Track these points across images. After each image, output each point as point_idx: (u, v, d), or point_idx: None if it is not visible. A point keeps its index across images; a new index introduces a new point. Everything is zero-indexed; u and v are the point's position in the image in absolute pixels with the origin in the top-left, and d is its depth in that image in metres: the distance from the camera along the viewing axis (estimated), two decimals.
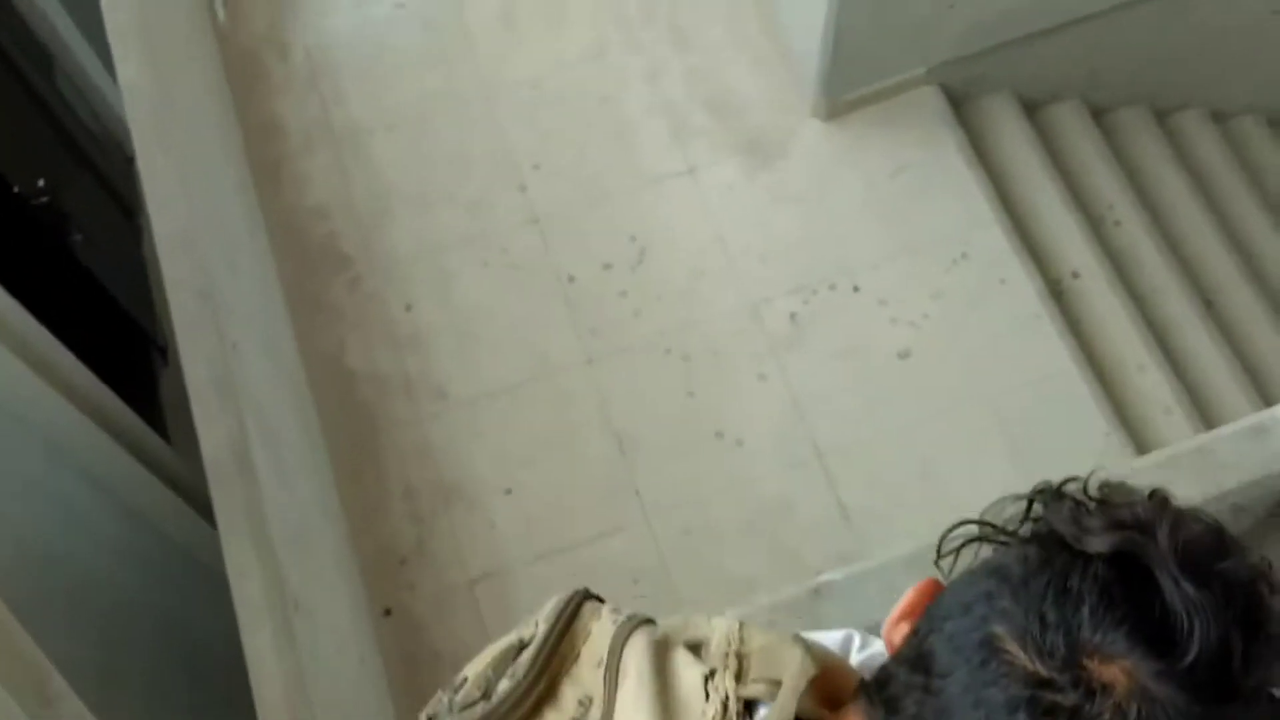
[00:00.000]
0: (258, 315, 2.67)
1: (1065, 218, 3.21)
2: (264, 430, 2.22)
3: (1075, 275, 3.14)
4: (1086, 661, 0.63)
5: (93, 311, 3.35)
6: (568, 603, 0.94)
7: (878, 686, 0.75)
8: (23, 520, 2.26)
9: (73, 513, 2.57)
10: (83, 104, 3.40)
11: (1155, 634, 0.63)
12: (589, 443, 2.87)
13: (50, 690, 1.85)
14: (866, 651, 0.88)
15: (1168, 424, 2.95)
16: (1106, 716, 0.62)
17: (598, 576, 2.71)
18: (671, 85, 3.28)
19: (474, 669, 0.96)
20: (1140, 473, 2.04)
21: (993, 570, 0.70)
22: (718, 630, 0.86)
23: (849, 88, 3.16)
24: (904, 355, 2.95)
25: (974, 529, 0.77)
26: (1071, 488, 0.72)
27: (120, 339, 3.50)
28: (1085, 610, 0.65)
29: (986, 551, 0.77)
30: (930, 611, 0.73)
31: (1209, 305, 3.36)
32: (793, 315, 3.00)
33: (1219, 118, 3.94)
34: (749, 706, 0.80)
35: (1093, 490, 0.73)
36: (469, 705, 0.91)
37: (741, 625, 0.84)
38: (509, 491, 2.82)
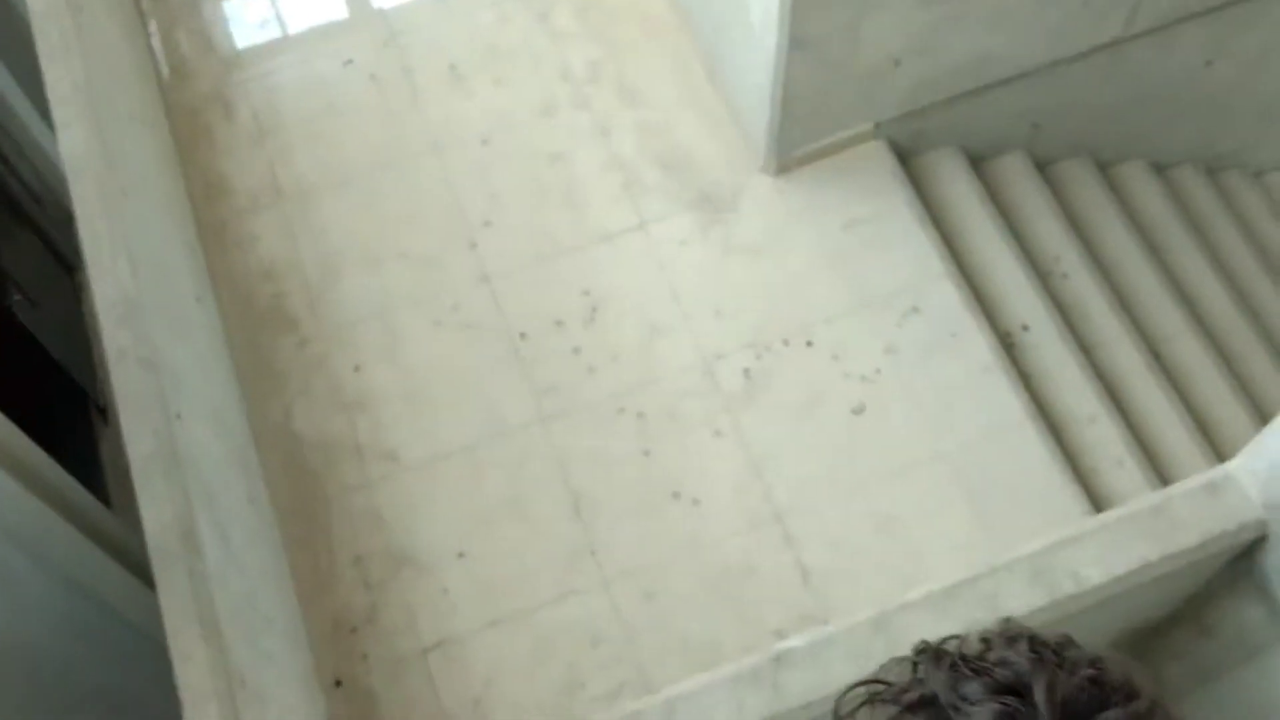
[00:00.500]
0: (204, 382, 2.61)
1: (1014, 270, 3.24)
2: (210, 503, 2.17)
3: (1025, 328, 3.16)
4: None
5: (30, 371, 3.27)
6: None
7: None
8: None
9: (9, 582, 2.48)
10: (23, 161, 3.34)
11: None
12: (544, 504, 2.83)
13: None
14: None
15: (1120, 475, 2.96)
16: None
17: (556, 641, 2.67)
18: (621, 141, 3.28)
19: None
20: (1101, 532, 2.04)
21: None
22: None
23: (797, 144, 3.18)
24: (858, 410, 2.94)
25: (866, 690, 0.75)
26: (952, 645, 0.70)
27: (59, 398, 3.42)
28: None
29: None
30: None
31: (1157, 355, 3.40)
32: (746, 371, 2.98)
33: (1159, 168, 4.01)
34: None
35: (973, 647, 0.71)
36: None
37: None
38: (462, 555, 2.77)
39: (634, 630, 2.67)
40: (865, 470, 2.88)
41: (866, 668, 1.95)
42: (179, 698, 1.93)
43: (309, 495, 2.83)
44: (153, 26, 3.53)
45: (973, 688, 0.67)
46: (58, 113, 2.30)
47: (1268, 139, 4.12)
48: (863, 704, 0.71)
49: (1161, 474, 3.03)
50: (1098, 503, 2.89)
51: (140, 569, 2.88)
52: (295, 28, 3.56)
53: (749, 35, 2.98)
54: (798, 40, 2.78)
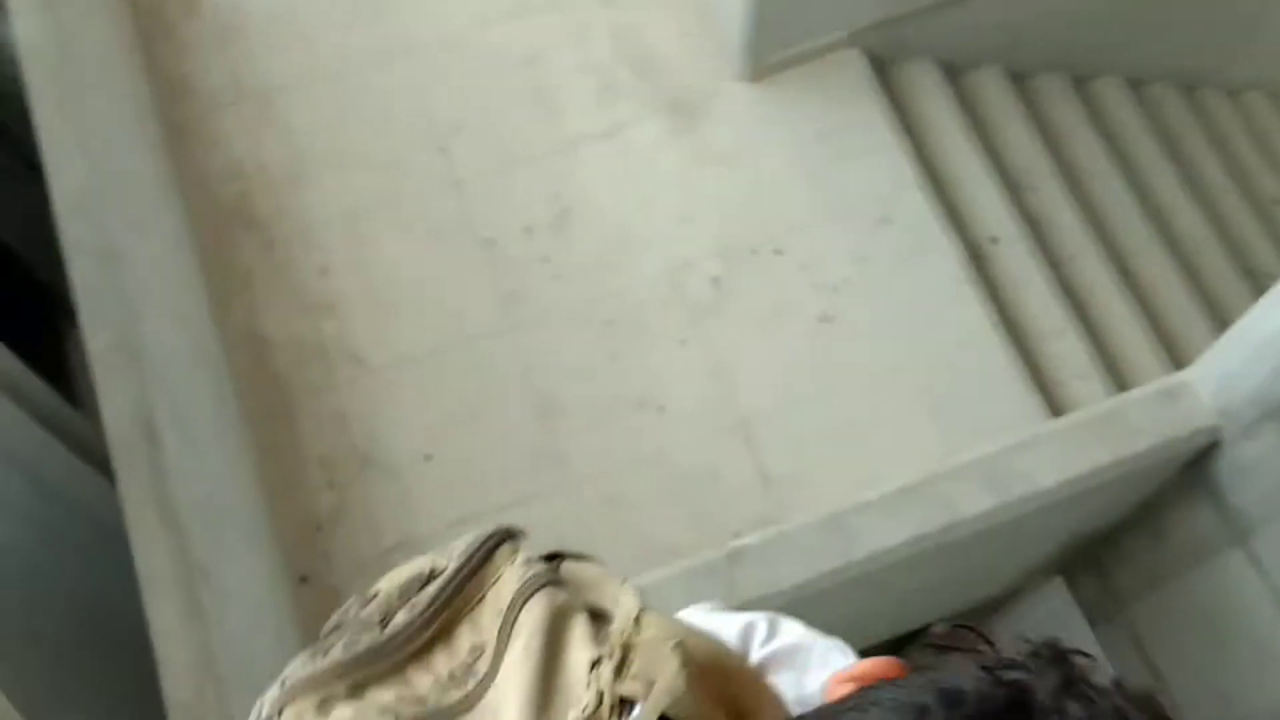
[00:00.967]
0: (167, 279, 2.59)
1: (985, 183, 3.23)
2: (171, 398, 2.17)
3: (994, 240, 3.16)
4: None
5: None
6: (484, 541, 0.91)
7: None
8: None
9: None
10: None
11: None
12: (509, 409, 2.84)
13: None
14: (771, 646, 0.83)
15: (1083, 389, 2.99)
16: None
17: None
18: (594, 45, 3.24)
19: (387, 585, 0.93)
20: (1056, 436, 2.07)
21: (946, 691, 0.64)
22: (621, 609, 0.83)
23: (772, 50, 3.14)
24: (826, 320, 2.95)
25: (967, 634, 0.73)
26: (1081, 661, 0.64)
27: (24, 299, 3.39)
28: None
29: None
30: (870, 691, 0.67)
31: (1124, 270, 3.41)
32: (715, 279, 2.98)
33: (1134, 84, 3.99)
34: (627, 703, 0.76)
35: (1100, 678, 0.64)
36: (367, 628, 0.88)
37: (641, 613, 0.80)
38: (428, 458, 2.78)
39: (595, 534, 2.70)
40: (830, 379, 2.89)
41: (817, 567, 1.99)
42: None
43: (275, 396, 2.83)
44: None
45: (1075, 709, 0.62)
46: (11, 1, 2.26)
47: (1245, 55, 4.10)
48: (949, 649, 0.67)
49: (1124, 388, 3.05)
50: (1060, 415, 2.91)
51: (107, 469, 2.89)
52: None
53: None
54: None
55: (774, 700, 0.79)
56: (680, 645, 0.75)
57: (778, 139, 3.15)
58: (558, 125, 3.15)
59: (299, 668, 0.87)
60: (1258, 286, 3.47)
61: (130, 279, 2.18)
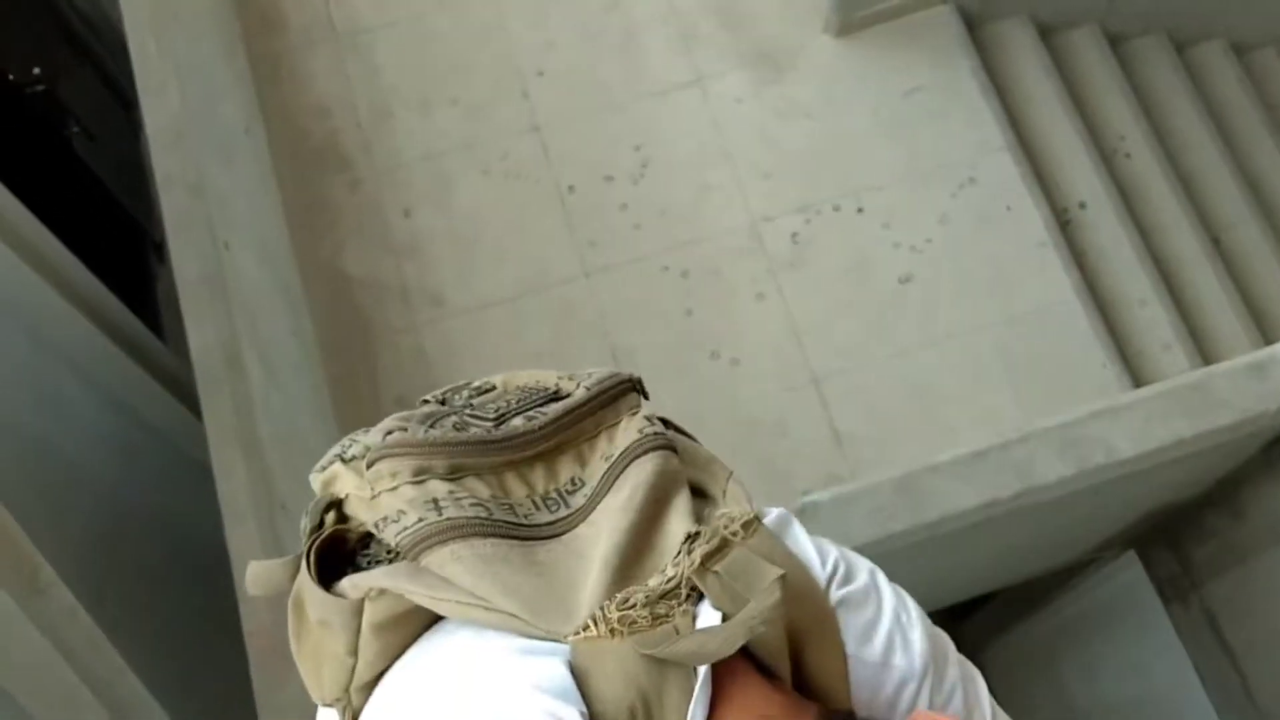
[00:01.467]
0: (253, 214, 2.64)
1: (1076, 147, 3.16)
2: (255, 331, 2.21)
3: (1082, 206, 3.10)
4: None
5: (88, 205, 3.32)
6: (618, 383, 0.89)
7: None
8: (12, 409, 2.25)
9: (63, 404, 2.57)
10: None
11: None
12: (584, 356, 2.86)
13: (41, 580, 1.86)
14: (847, 588, 0.80)
15: (1167, 360, 2.93)
16: None
17: None
18: None
19: (503, 384, 0.93)
20: (1138, 406, 2.03)
21: None
22: (731, 500, 0.82)
23: (862, 4, 3.09)
24: (905, 280, 2.92)
25: None
26: None
27: (116, 234, 3.48)
28: None
29: None
30: None
31: (1217, 242, 3.32)
32: (794, 235, 2.96)
33: (1240, 50, 3.86)
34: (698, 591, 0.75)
35: None
36: (479, 419, 0.86)
37: (755, 519, 0.78)
38: None
39: None
40: (907, 339, 2.87)
41: (888, 527, 1.98)
42: (221, 515, 1.99)
43: (355, 334, 2.87)
44: None
45: None
46: None
47: None
48: None
49: (1209, 361, 2.99)
50: (1141, 385, 2.86)
51: (190, 400, 2.96)
52: None
53: None
54: None
55: (837, 643, 0.78)
56: (783, 580, 0.74)
57: (864, 96, 3.11)
58: (641, 73, 3.14)
59: (400, 428, 0.85)
60: None
61: (218, 212, 2.22)
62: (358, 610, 0.78)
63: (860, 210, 2.98)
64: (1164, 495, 2.45)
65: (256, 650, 1.84)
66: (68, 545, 2.18)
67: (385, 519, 0.80)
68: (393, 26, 3.18)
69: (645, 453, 0.83)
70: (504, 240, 2.98)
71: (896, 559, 1.98)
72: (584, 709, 0.69)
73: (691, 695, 0.70)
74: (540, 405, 0.87)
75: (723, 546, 0.76)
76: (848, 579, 0.81)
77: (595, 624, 0.72)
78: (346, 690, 0.81)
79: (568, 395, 0.88)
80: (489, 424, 0.85)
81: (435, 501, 0.79)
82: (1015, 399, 2.81)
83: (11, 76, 3.00)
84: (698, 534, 0.77)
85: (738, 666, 0.72)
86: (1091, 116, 3.34)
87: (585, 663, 0.71)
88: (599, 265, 2.94)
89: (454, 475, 0.81)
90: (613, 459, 0.84)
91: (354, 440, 0.88)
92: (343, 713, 0.83)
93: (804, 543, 0.82)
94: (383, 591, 0.77)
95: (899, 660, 0.79)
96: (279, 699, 1.83)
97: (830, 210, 2.99)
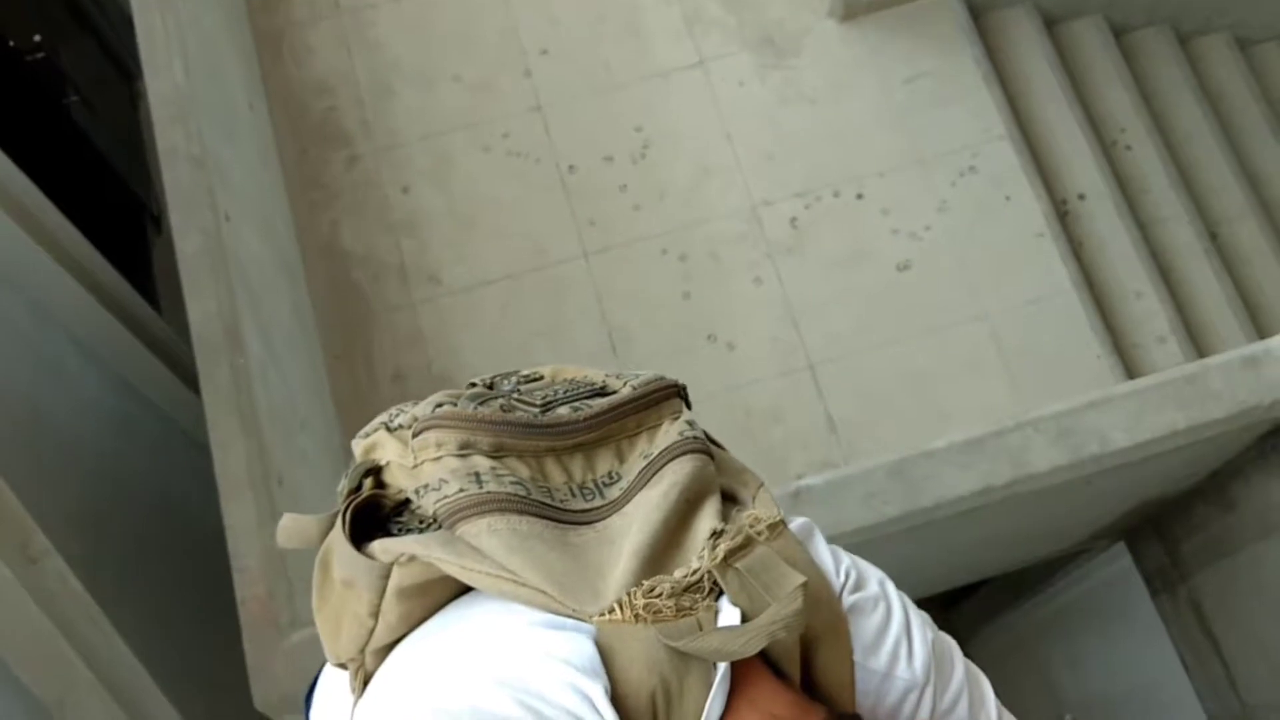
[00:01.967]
0: (253, 187, 2.63)
1: (1077, 137, 3.16)
2: (254, 304, 2.21)
3: (1081, 197, 3.10)
4: None
5: (86, 174, 3.31)
6: (664, 386, 0.93)
7: None
8: (10, 379, 2.26)
9: (62, 376, 2.57)
10: None
11: None
12: (581, 336, 2.86)
13: (34, 548, 1.87)
14: (858, 594, 0.83)
15: (1162, 352, 2.94)
16: None
17: None
18: None
19: (550, 373, 0.96)
20: (1132, 397, 2.04)
21: None
22: (760, 504, 0.85)
23: None
24: (903, 267, 2.92)
25: None
26: None
27: (113, 204, 3.47)
28: None
29: None
30: None
31: (1214, 236, 3.33)
32: (793, 220, 2.96)
33: (1243, 44, 3.86)
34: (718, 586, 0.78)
35: None
36: (525, 404, 0.89)
37: (780, 522, 0.81)
38: None
39: None
40: (904, 326, 2.87)
41: (882, 511, 1.99)
42: (216, 488, 2.00)
43: (352, 310, 2.87)
44: None
45: None
46: None
47: None
48: None
49: (1203, 355, 3.00)
50: (1136, 377, 2.87)
51: (185, 373, 2.97)
52: None
53: None
54: None
55: (847, 650, 0.81)
56: (806, 588, 0.76)
57: (866, 81, 3.11)
58: (644, 55, 3.13)
59: (450, 402, 0.88)
60: None
61: (220, 186, 2.21)
62: (385, 574, 0.80)
63: (860, 196, 2.99)
64: (1155, 487, 2.46)
65: (249, 617, 1.85)
66: (62, 515, 2.19)
67: (426, 486, 0.83)
68: (396, 2, 3.17)
69: (683, 454, 0.86)
70: (503, 219, 2.98)
71: (888, 544, 1.99)
72: (608, 684, 0.71)
73: (710, 688, 0.72)
74: (586, 398, 0.90)
75: (747, 544, 0.78)
76: (859, 585, 0.84)
77: (621, 608, 0.74)
78: (362, 651, 0.83)
79: (614, 392, 0.91)
80: (535, 410, 0.88)
81: (477, 475, 0.81)
82: (1010, 388, 2.82)
83: (12, 43, 3.00)
84: (723, 531, 0.80)
85: (752, 664, 0.75)
86: (1093, 107, 3.34)
87: (610, 643, 0.73)
88: (598, 246, 2.95)
89: (497, 454, 0.84)
90: (651, 457, 0.87)
91: (401, 410, 0.91)
92: (355, 673, 0.85)
93: (823, 551, 0.84)
94: (413, 558, 0.79)
95: (902, 671, 0.82)
96: (270, 667, 1.84)
97: (830, 196, 2.99)
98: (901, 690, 0.82)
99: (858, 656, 0.81)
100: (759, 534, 0.79)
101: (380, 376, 2.82)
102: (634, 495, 0.85)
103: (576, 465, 0.87)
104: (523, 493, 0.81)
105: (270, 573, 1.86)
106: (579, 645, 0.73)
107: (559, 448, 0.86)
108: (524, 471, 0.84)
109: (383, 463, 0.88)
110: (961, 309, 2.89)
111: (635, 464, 0.88)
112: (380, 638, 0.82)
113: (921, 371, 2.83)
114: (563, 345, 2.86)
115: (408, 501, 0.85)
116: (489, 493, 0.80)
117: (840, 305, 2.90)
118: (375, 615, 0.81)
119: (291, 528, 0.88)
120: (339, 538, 0.82)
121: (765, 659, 0.76)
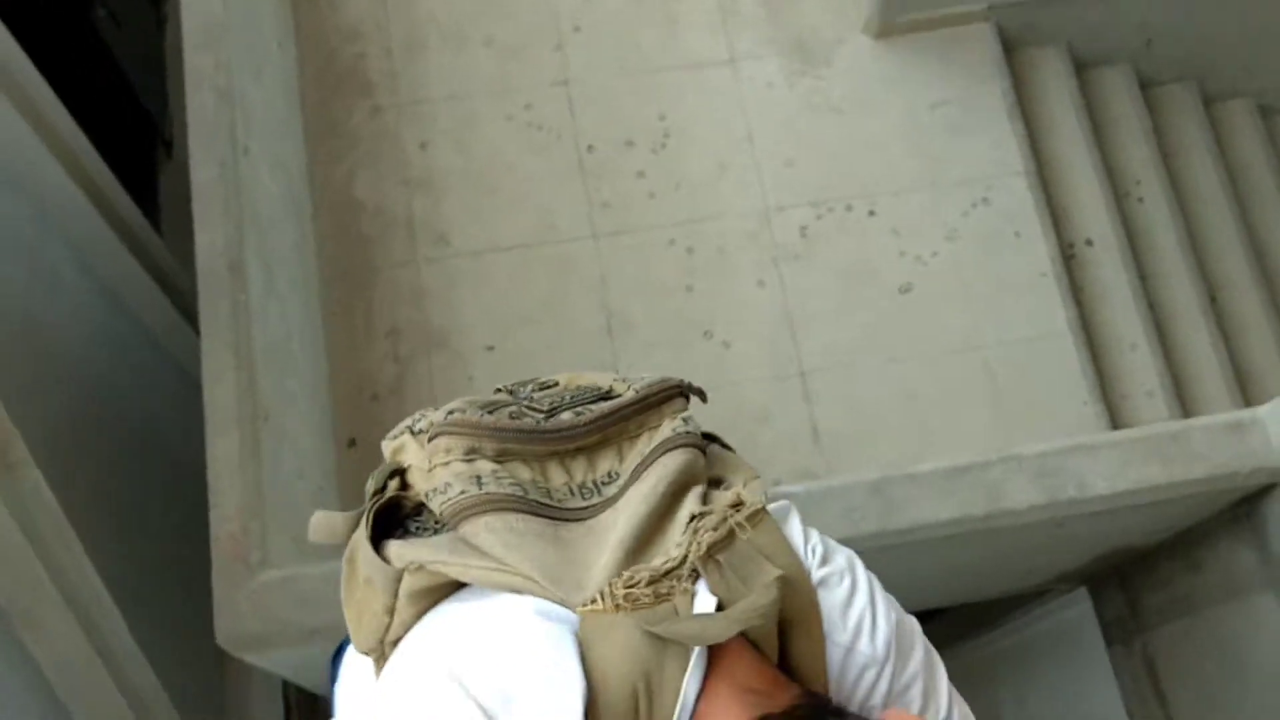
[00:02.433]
0: (273, 128, 2.63)
1: (1092, 183, 3.18)
2: (261, 241, 2.21)
3: (1089, 243, 3.12)
4: None
5: (104, 90, 3.29)
6: (667, 388, 0.97)
7: None
8: (4, 283, 2.25)
9: (57, 286, 2.56)
10: None
11: None
12: (580, 316, 2.87)
13: (12, 455, 1.87)
14: (825, 569, 0.87)
15: (1147, 406, 2.96)
16: None
17: None
18: None
19: (565, 381, 1.01)
20: (1115, 447, 2.06)
21: None
22: (745, 490, 0.88)
23: (906, 8, 3.09)
24: (905, 289, 2.94)
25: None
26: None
27: (127, 124, 3.46)
28: None
29: None
30: None
31: (1213, 299, 3.36)
32: (804, 228, 2.97)
33: (1266, 112, 3.88)
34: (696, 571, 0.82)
35: None
36: (534, 410, 0.94)
37: (762, 510, 0.85)
38: (491, 348, 2.82)
39: None
40: (898, 347, 2.89)
41: (858, 527, 2.01)
42: (200, 421, 2.00)
43: (357, 261, 2.87)
44: None
45: None
46: None
47: None
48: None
49: (1188, 413, 3.03)
50: (1118, 427, 2.90)
51: (181, 301, 2.96)
52: None
53: None
54: None
55: (819, 632, 0.84)
56: (782, 580, 0.80)
57: (893, 100, 3.12)
58: (677, 44, 3.13)
59: (461, 409, 0.93)
60: None
61: (242, 119, 2.21)
62: (398, 577, 0.86)
63: (872, 213, 3.00)
64: (1125, 538, 2.49)
65: (220, 552, 1.86)
66: (42, 426, 2.19)
67: (435, 489, 0.89)
68: None
69: (674, 448, 0.91)
70: (517, 189, 2.98)
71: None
72: (584, 684, 0.75)
73: (686, 668, 0.76)
74: (590, 403, 0.95)
75: (729, 537, 0.82)
76: (825, 560, 0.88)
77: (602, 598, 0.79)
78: (381, 643, 0.90)
79: (618, 396, 0.96)
80: (541, 415, 0.93)
81: (479, 478, 0.87)
82: (995, 421, 2.84)
83: None
84: (704, 514, 0.83)
85: (731, 642, 0.79)
86: (1112, 155, 3.36)
87: (592, 636, 0.77)
88: (608, 228, 2.95)
89: (501, 458, 0.90)
90: (645, 457, 0.91)
91: (423, 414, 0.97)
92: (377, 663, 0.92)
93: (795, 532, 0.87)
94: (421, 566, 0.84)
95: (864, 645, 0.85)
96: (236, 604, 1.85)
97: (843, 209, 3.00)
98: (860, 665, 0.85)
99: (824, 628, 0.84)
100: (740, 526, 0.83)
101: (377, 330, 2.82)
102: (625, 492, 0.89)
103: (579, 467, 0.92)
104: (520, 493, 0.87)
105: (246, 510, 1.87)
106: (562, 636, 0.78)
107: (561, 451, 0.92)
108: (525, 474, 0.90)
109: (406, 465, 0.94)
110: (958, 337, 2.91)
111: (632, 462, 0.92)
112: (396, 632, 0.88)
113: (911, 393, 2.85)
114: (560, 322, 2.87)
115: (426, 502, 0.91)
116: (487, 493, 0.86)
117: (839, 318, 2.91)
118: (390, 613, 0.87)
119: (322, 523, 0.94)
120: (363, 537, 0.89)
121: (745, 636, 0.80)
